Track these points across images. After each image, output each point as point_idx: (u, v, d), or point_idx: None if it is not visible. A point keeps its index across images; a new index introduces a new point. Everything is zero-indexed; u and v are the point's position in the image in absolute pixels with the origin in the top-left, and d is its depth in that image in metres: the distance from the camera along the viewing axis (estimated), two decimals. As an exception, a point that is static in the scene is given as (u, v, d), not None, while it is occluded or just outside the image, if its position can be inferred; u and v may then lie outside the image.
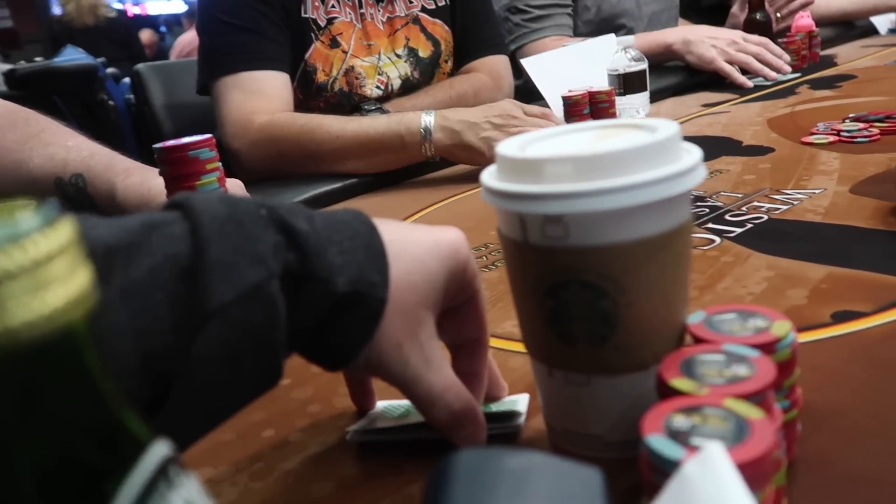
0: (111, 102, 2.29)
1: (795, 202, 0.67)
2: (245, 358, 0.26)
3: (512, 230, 0.31)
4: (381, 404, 0.40)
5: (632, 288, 0.29)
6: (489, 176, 0.33)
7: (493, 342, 0.49)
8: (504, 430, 0.37)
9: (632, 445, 0.33)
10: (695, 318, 0.32)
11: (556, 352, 0.32)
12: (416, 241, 0.33)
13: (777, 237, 0.60)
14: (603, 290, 0.29)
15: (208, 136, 0.55)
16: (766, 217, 0.65)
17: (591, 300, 0.30)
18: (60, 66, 2.25)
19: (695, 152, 0.31)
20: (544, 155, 0.30)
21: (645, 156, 0.29)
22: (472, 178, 0.92)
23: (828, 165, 0.78)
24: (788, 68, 1.40)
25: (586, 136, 0.34)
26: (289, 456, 0.40)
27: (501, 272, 0.60)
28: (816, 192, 0.69)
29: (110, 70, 2.52)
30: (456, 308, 0.36)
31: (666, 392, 0.27)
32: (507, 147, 0.32)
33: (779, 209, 0.66)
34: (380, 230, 0.32)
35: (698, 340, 0.31)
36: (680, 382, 0.27)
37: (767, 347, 0.29)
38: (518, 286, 0.33)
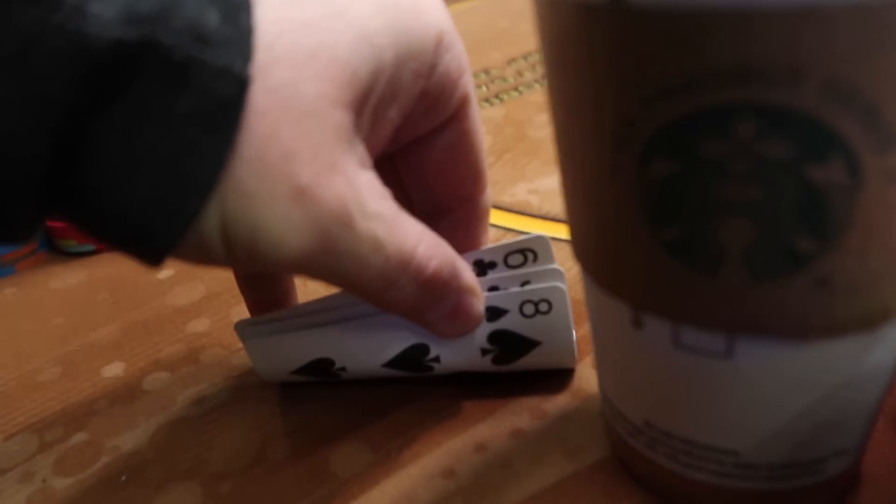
0: None
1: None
2: None
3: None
4: None
5: (916, 131, 0.11)
6: None
7: (497, 217, 0.31)
8: (541, 359, 0.21)
9: (797, 471, 0.16)
10: None
11: (662, 279, 0.14)
12: None
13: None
14: (831, 134, 0.11)
15: None
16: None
17: (789, 162, 0.11)
18: None
19: None
20: None
21: None
22: (470, -14, 0.69)
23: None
24: None
25: None
26: (135, 419, 0.23)
27: (509, 108, 0.41)
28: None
29: None
30: (424, 140, 0.19)
31: None
32: None
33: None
34: None
35: None
36: None
37: None
38: (580, 124, 0.14)
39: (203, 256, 0.14)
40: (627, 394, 0.17)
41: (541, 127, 0.38)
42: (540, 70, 0.46)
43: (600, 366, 0.18)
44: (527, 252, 0.20)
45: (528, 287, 0.20)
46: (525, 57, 0.49)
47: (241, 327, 0.22)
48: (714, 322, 0.13)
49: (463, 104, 0.19)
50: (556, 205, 0.31)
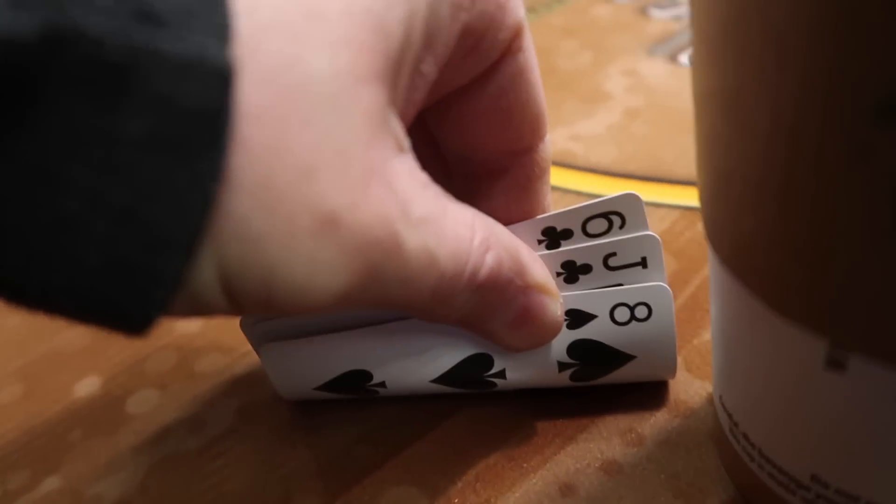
0: None
1: None
2: None
3: None
4: None
5: None
6: None
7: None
8: (633, 374, 0.16)
9: None
10: None
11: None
12: None
13: None
14: None
15: None
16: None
17: None
18: None
19: None
20: None
21: None
22: None
23: None
24: None
25: None
26: (120, 456, 0.18)
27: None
28: None
29: None
30: (466, 90, 0.15)
31: None
32: None
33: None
34: None
35: None
36: None
37: None
38: (798, 76, 0.09)
39: (201, 313, 0.10)
40: (790, 444, 0.12)
41: (571, 56, 0.33)
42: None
43: (735, 396, 0.13)
44: (611, 216, 0.15)
45: (622, 287, 0.15)
46: (538, -28, 0.42)
47: (248, 326, 0.17)
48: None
49: (517, 35, 0.14)
50: (606, 154, 0.26)
